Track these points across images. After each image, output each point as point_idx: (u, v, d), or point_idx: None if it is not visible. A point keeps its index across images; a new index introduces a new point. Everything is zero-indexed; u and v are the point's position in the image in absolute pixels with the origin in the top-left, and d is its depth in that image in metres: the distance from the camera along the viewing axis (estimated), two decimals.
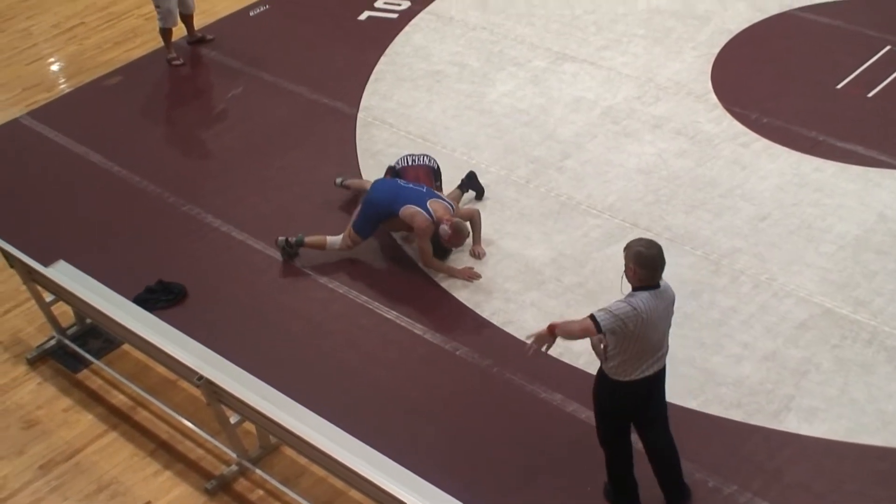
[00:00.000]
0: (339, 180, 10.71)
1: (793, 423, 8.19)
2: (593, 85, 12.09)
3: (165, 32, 13.11)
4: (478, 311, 9.36)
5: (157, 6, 12.89)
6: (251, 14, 14.18)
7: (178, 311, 9.55)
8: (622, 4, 13.56)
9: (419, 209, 9.55)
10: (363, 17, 13.95)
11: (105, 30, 14.33)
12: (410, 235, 10.01)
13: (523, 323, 9.15)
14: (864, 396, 8.36)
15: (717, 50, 12.50)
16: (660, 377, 7.24)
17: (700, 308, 9.19)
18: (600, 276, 9.51)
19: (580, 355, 8.66)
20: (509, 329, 9.11)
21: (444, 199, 9.76)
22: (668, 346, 7.21)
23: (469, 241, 9.90)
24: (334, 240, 9.94)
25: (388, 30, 13.57)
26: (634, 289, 6.90)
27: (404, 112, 11.95)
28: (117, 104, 12.67)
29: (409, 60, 12.92)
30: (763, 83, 11.93)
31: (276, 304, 9.65)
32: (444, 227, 9.54)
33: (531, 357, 7.26)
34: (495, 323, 9.22)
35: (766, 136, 11.07)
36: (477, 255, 9.89)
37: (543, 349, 7.08)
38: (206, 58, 13.38)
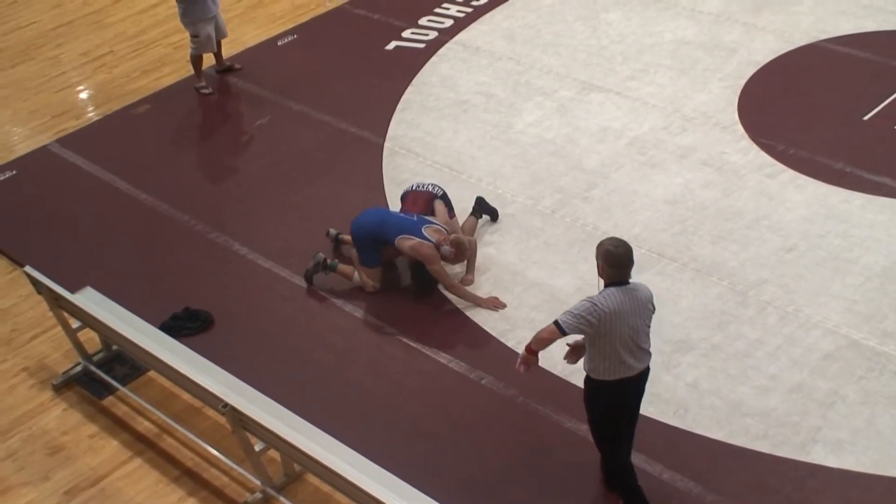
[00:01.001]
0: (333, 232, 10.63)
1: (819, 455, 8.16)
2: (620, 115, 12.11)
3: (197, 60, 13.20)
4: (503, 340, 9.37)
5: (194, 35, 12.96)
6: (279, 43, 14.29)
7: (204, 339, 9.59)
8: (649, 35, 13.59)
9: (417, 239, 9.59)
10: (390, 46, 14.03)
11: (134, 58, 14.45)
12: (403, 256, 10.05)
13: (549, 353, 9.10)
14: (890, 429, 8.31)
15: (743, 81, 12.51)
16: (641, 381, 7.50)
17: (726, 339, 9.17)
18: None
19: None
20: None
21: (434, 223, 9.82)
22: (649, 350, 7.42)
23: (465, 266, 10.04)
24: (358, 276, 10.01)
25: (416, 59, 13.64)
26: (605, 286, 7.25)
27: (431, 141, 12.00)
28: (145, 132, 12.76)
29: (436, 90, 12.98)
30: (790, 114, 11.92)
31: (301, 332, 9.68)
32: (446, 248, 9.60)
33: (525, 374, 7.73)
34: (521, 352, 9.19)
35: (793, 168, 11.06)
36: (466, 283, 9.95)
37: (532, 365, 7.66)
38: (233, 87, 13.48)
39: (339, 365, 9.29)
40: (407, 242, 9.60)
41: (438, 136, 12.11)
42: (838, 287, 9.59)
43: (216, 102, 13.25)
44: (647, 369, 7.46)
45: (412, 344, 9.41)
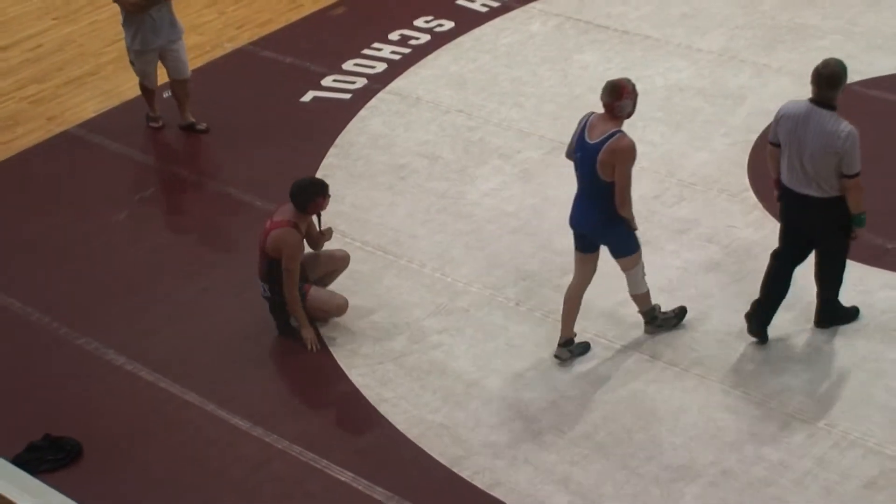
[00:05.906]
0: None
1: None
2: None
3: (142, 89, 13.64)
4: (456, 469, 9.32)
5: (131, 62, 13.42)
6: (165, 96, 14.26)
7: (71, 475, 9.49)
8: (634, 81, 13.66)
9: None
10: (307, 97, 14.09)
11: None
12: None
13: (515, 485, 9.11)
14: None
15: (755, 136, 12.63)
16: (803, 204, 9.54)
17: (741, 463, 9.17)
18: (613, 425, 9.49)
19: None
20: (497, 493, 9.06)
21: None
22: (815, 178, 9.38)
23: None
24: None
25: (339, 114, 13.70)
26: None
27: (360, 217, 12.02)
28: None
29: (366, 152, 13.02)
30: None
31: (197, 466, 9.59)
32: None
33: None
34: (478, 485, 9.17)
35: None
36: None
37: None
38: (105, 150, 13.44)
39: None
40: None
41: (369, 210, 12.13)
42: (881, 395, 9.63)
43: (82, 171, 13.20)
44: (814, 201, 9.46)
45: (340, 476, 9.33)
